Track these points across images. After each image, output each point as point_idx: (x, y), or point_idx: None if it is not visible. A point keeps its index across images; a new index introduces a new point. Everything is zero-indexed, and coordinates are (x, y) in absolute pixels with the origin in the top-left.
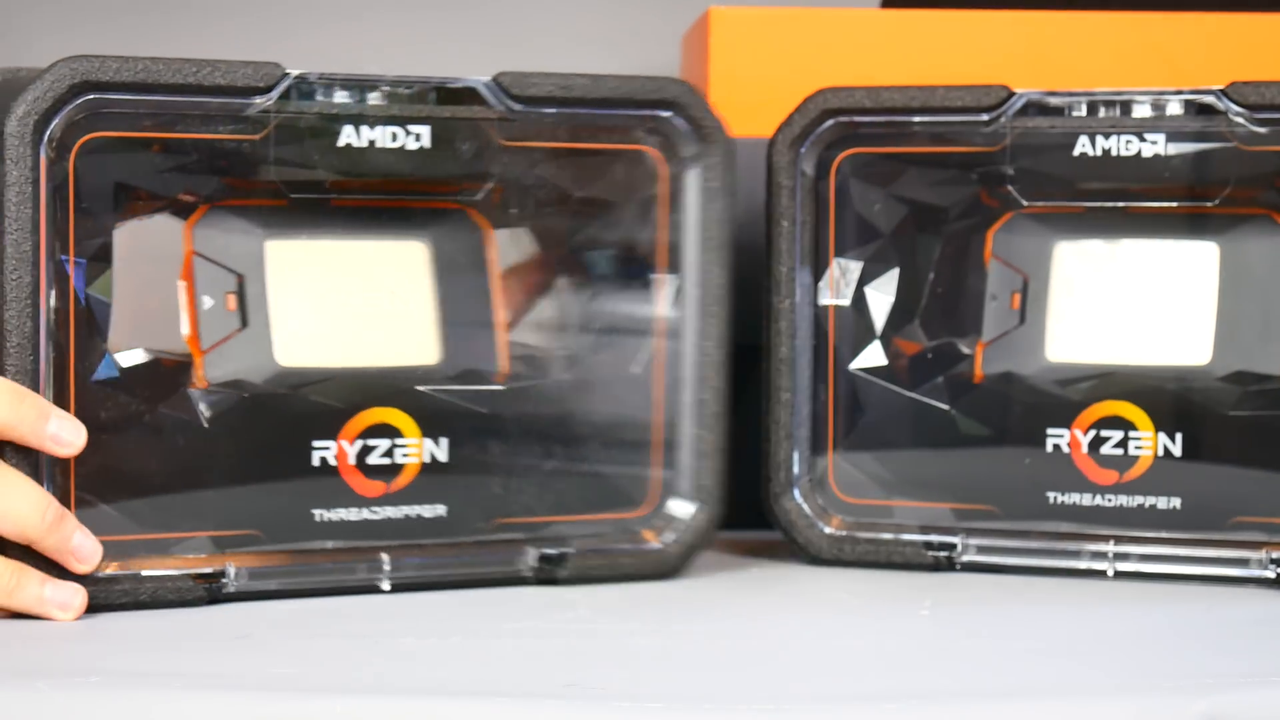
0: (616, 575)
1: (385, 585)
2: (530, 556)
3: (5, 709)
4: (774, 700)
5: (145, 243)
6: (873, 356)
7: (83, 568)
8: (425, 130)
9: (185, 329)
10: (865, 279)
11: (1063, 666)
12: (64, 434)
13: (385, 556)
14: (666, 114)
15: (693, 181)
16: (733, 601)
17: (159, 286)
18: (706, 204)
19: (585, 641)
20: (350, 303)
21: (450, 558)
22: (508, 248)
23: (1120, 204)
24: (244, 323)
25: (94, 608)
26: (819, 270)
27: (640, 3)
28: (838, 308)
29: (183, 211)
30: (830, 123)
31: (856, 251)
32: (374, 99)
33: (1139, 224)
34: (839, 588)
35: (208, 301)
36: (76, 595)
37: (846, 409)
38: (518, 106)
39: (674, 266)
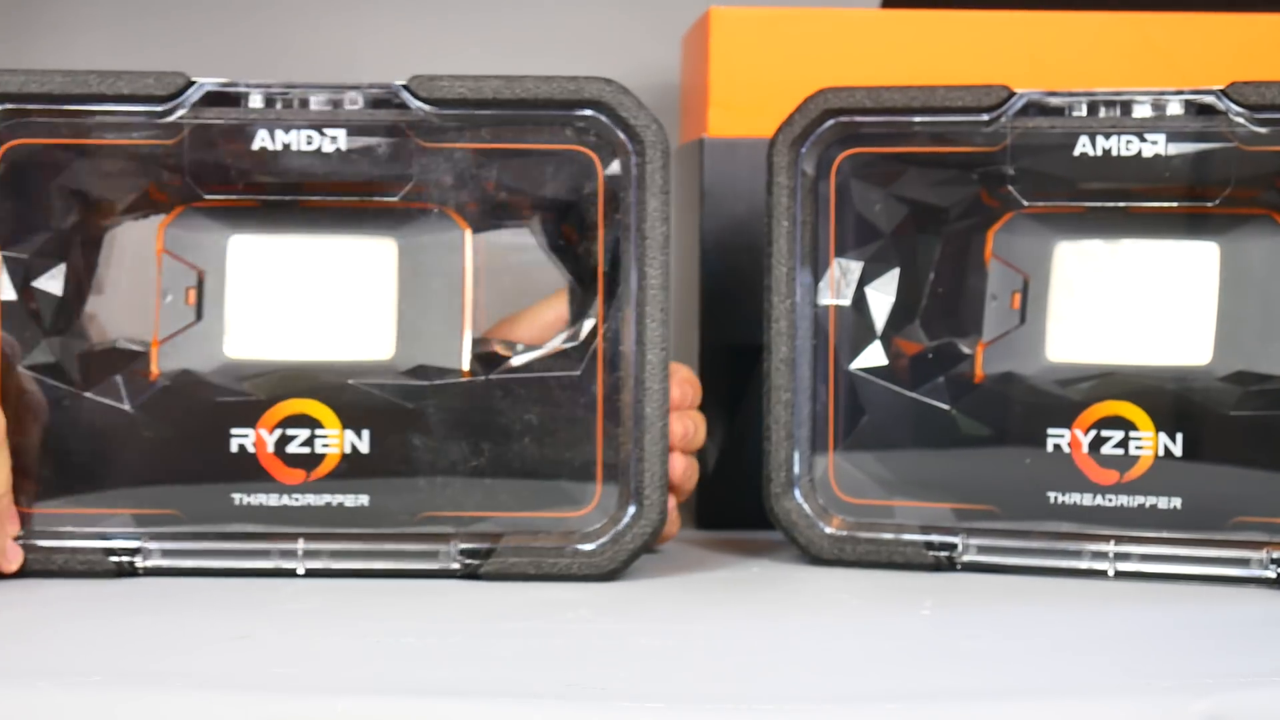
0: (543, 575)
1: (300, 570)
2: (453, 550)
3: (5, 709)
4: (774, 700)
5: (119, 243)
6: (873, 356)
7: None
8: (341, 134)
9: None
10: (865, 279)
11: (1063, 666)
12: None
13: (301, 543)
14: (591, 113)
15: (628, 180)
16: (733, 601)
17: (134, 284)
18: (642, 202)
19: (585, 641)
20: (296, 298)
21: (369, 546)
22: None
23: (1120, 204)
24: (199, 316)
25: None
26: (819, 270)
27: (640, 3)
28: (838, 308)
29: (103, 214)
30: (830, 123)
31: (857, 251)
32: (292, 104)
33: (1139, 224)
34: (839, 588)
35: (167, 297)
36: (17, 552)
37: (847, 409)
38: (428, 109)
39: (612, 266)
